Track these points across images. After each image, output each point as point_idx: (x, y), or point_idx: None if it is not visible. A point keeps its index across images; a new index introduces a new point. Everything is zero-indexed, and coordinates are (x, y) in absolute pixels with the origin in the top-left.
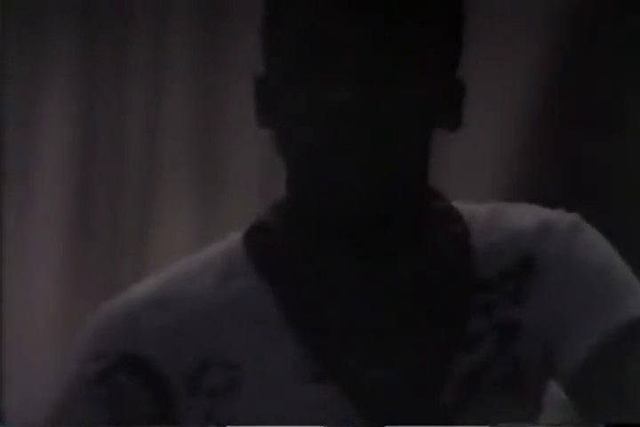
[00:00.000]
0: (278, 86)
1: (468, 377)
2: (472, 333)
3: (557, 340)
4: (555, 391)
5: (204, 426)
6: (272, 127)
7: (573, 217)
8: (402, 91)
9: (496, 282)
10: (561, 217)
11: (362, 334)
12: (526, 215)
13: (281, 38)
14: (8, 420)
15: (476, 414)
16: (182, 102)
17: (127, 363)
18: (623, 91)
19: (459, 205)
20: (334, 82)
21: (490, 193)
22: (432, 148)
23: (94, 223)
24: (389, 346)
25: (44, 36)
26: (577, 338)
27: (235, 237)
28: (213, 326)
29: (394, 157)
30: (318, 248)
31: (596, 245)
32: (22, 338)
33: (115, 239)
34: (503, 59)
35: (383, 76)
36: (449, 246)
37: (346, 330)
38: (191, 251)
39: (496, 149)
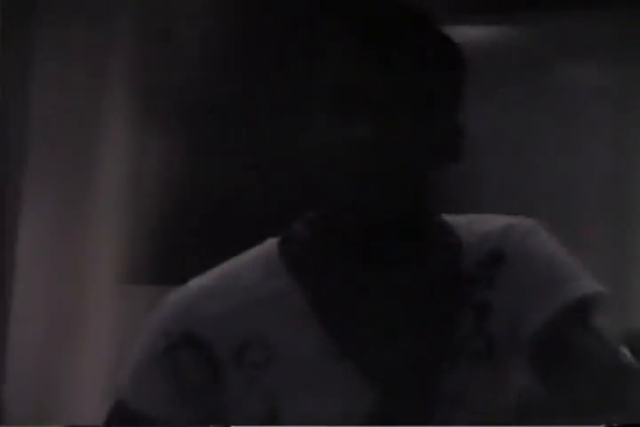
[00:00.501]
0: (313, 122)
1: (454, 354)
2: (458, 317)
3: (520, 317)
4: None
5: (246, 393)
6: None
7: (531, 221)
8: (409, 132)
9: (475, 273)
10: (521, 221)
11: (374, 323)
12: (495, 221)
13: (315, 85)
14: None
15: (457, 384)
16: None
17: (187, 341)
18: None
19: (446, 216)
20: (354, 123)
21: None
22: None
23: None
24: (396, 332)
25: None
26: (533, 314)
27: (271, 243)
28: (255, 315)
29: (402, 185)
30: (339, 255)
31: (546, 243)
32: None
33: None
34: None
35: (394, 120)
36: (445, 253)
37: (361, 320)
38: None
39: None
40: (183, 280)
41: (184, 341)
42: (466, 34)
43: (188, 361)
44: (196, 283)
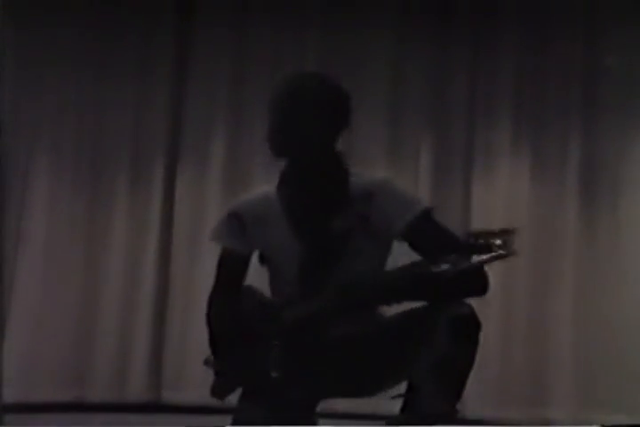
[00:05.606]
0: None
1: (351, 236)
2: (349, 220)
3: (391, 220)
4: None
5: (255, 237)
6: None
7: (388, 177)
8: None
9: (358, 199)
10: (381, 177)
11: (306, 213)
12: (367, 175)
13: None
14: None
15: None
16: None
17: (234, 214)
18: None
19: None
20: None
21: None
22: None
23: None
24: (315, 219)
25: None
26: (402, 217)
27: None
28: (260, 207)
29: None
30: (295, 183)
31: (394, 186)
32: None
33: None
34: None
35: (312, 145)
36: (344, 187)
37: (302, 215)
38: None
39: None
40: None
41: (233, 215)
42: None
43: (234, 222)
44: (241, 199)
